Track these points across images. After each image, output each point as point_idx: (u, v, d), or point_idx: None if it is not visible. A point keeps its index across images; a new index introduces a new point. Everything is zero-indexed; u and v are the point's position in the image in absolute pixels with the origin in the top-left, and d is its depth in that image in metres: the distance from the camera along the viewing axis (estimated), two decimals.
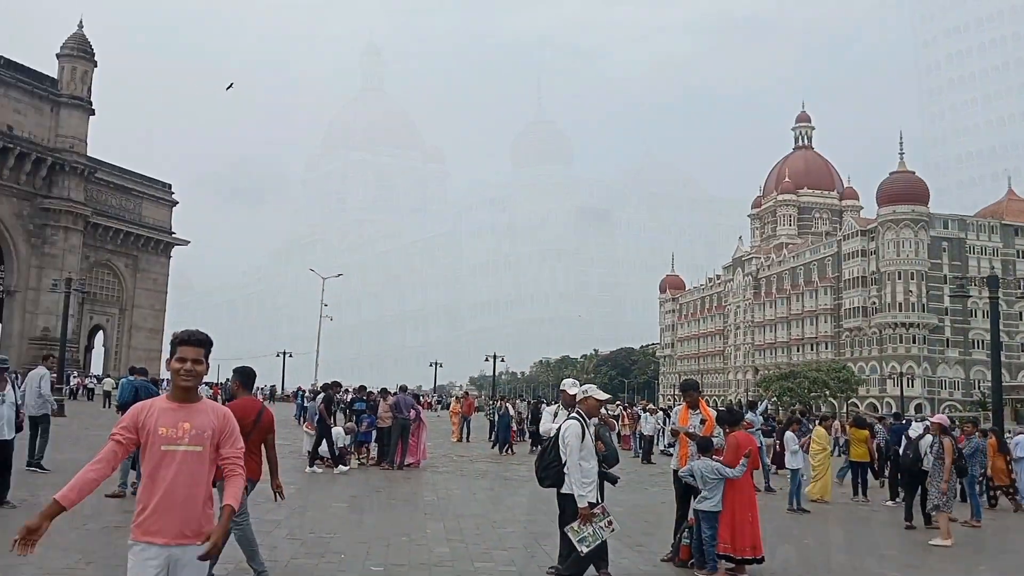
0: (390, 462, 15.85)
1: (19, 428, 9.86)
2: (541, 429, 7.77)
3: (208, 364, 3.43)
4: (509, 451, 21.45)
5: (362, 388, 18.29)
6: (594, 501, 5.81)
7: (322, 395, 17.40)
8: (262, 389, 50.38)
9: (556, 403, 8.18)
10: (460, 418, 26.91)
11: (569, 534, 5.70)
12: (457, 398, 31.05)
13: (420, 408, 17.86)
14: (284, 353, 70.71)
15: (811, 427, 16.79)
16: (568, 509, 5.90)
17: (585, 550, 5.65)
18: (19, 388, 11.52)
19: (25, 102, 50.58)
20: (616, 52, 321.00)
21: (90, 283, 54.64)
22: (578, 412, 6.12)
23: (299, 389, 50.47)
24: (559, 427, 6.22)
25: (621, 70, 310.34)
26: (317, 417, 15.27)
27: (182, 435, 3.24)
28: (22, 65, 50.48)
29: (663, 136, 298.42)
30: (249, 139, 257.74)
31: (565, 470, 5.91)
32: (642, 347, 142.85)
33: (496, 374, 70.50)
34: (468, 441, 25.91)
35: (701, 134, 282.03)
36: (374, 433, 16.63)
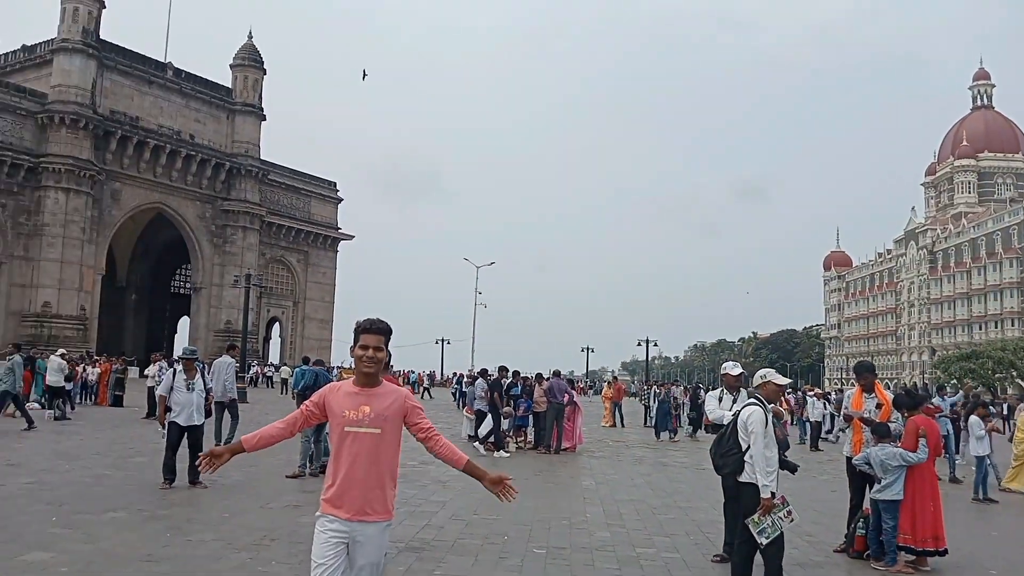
0: (547, 446, 16.06)
1: (208, 414, 10.71)
2: (710, 415, 7.53)
3: (388, 351, 3.59)
4: (672, 437, 21.12)
5: (516, 373, 18.56)
6: (775, 491, 5.57)
7: (480, 380, 17.87)
8: (410, 374, 52.22)
9: (720, 387, 7.93)
10: (611, 403, 26.80)
11: (749, 525, 5.50)
12: (608, 383, 30.95)
13: (575, 393, 17.94)
14: (442, 340, 73.20)
15: (994, 411, 15.44)
16: (745, 499, 5.68)
17: (764, 541, 5.45)
18: (207, 376, 12.57)
19: (204, 112, 54.87)
20: (771, 23, 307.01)
21: (266, 278, 58.69)
22: (757, 397, 5.87)
23: (454, 374, 52.13)
24: (737, 413, 5.99)
25: (777, 41, 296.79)
26: (487, 402, 15.69)
27: (363, 418, 3.45)
28: (201, 77, 54.76)
29: (822, 108, 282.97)
30: (404, 133, 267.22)
31: (746, 458, 5.66)
32: (805, 328, 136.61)
33: (649, 359, 69.55)
34: (622, 426, 25.77)
35: (864, 103, 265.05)
36: (531, 418, 16.88)
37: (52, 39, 47.50)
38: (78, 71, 46.47)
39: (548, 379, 16.67)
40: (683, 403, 23.09)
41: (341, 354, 69.09)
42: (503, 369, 17.10)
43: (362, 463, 3.43)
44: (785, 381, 6.15)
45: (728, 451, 5.87)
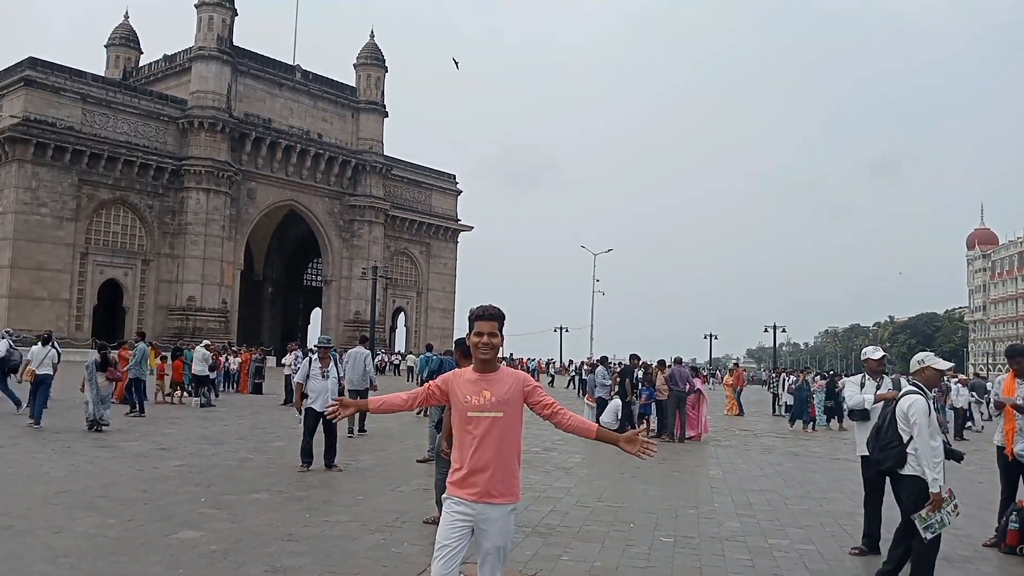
0: (670, 434, 15.83)
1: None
2: (849, 401, 7.17)
3: (503, 336, 3.62)
4: (811, 427, 20.38)
5: (634, 357, 18.33)
6: (943, 484, 5.23)
7: (600, 368, 17.81)
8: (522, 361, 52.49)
9: (861, 373, 7.54)
10: (733, 391, 26.13)
11: (915, 521, 5.19)
12: (729, 370, 30.20)
13: (700, 380, 17.58)
14: (561, 328, 73.37)
15: None
16: (907, 493, 5.35)
17: (930, 536, 5.15)
18: (340, 365, 13.09)
19: (331, 111, 57.04)
20: None
21: (391, 270, 60.49)
22: (916, 384, 5.53)
23: (570, 361, 52.17)
24: (889, 400, 5.67)
25: (910, 3, 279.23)
26: (615, 390, 15.68)
27: (485, 403, 3.51)
28: (327, 78, 56.91)
29: (962, 75, 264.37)
30: (520, 124, 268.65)
31: (909, 450, 5.33)
32: (947, 312, 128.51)
33: (776, 345, 67.27)
34: (742, 415, 25.06)
35: (1006, 68, 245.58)
36: (654, 406, 16.68)
37: (189, 48, 50.50)
38: (214, 77, 49.23)
39: (669, 366, 16.41)
40: (815, 391, 22.21)
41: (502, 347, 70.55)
42: (634, 357, 16.93)
43: (486, 446, 3.49)
44: (946, 365, 5.71)
45: (888, 443, 5.49)
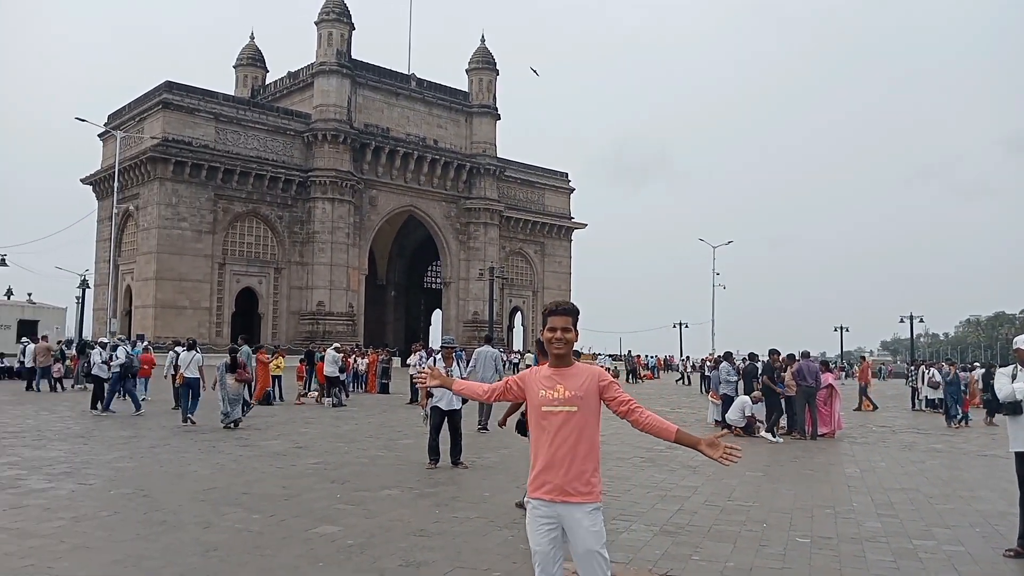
0: (801, 431, 15.26)
1: (465, 399, 11.35)
2: (1000, 393, 6.70)
3: (577, 331, 3.56)
4: (963, 422, 19.21)
5: (753, 355, 17.75)
6: None
7: (725, 364, 17.35)
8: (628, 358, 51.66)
9: (1013, 364, 7.02)
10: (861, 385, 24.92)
11: None
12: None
13: (832, 375, 16.86)
14: (680, 324, 72.09)
15: None
16: None
17: None
18: (462, 364, 13.34)
19: (445, 117, 58.27)
20: None
21: (507, 270, 61.16)
22: None
23: (687, 358, 51.11)
24: None
25: None
26: (760, 386, 15.31)
27: (558, 398, 3.45)
28: (440, 85, 58.17)
29: None
30: (631, 119, 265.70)
31: None
32: None
33: (913, 336, 63.68)
34: (872, 409, 23.82)
35: None
36: (783, 402, 16.11)
37: (311, 64, 52.72)
38: (335, 91, 51.20)
39: (797, 361, 15.81)
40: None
41: (579, 340, 70.30)
42: (773, 353, 16.36)
43: (561, 443, 3.42)
44: None
45: None
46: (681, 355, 69.46)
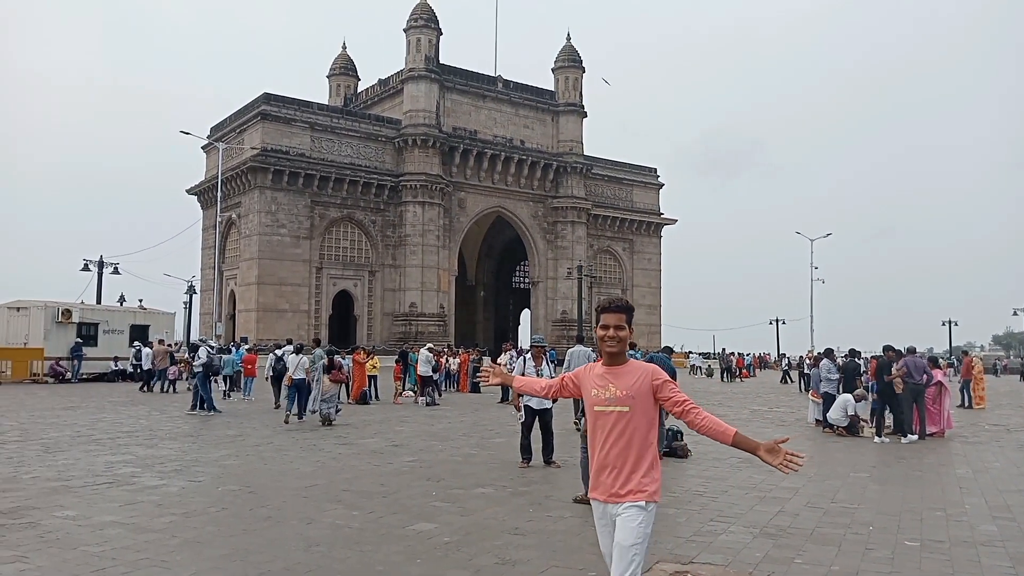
0: (907, 431, 14.59)
1: (554, 399, 11.34)
2: None
3: (632, 328, 3.48)
4: None
5: (853, 352, 17.06)
6: None
7: (826, 361, 16.76)
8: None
9: None
10: (962, 381, 23.64)
11: None
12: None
13: (940, 372, 16.07)
14: (776, 320, 70.14)
15: None
16: None
17: None
18: (550, 364, 13.34)
19: (532, 117, 58.45)
20: None
21: (595, 268, 60.87)
22: None
23: (782, 355, 49.61)
24: None
25: None
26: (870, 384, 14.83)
27: (610, 397, 3.38)
28: (526, 85, 58.41)
29: None
30: (721, 112, 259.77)
31: None
32: None
33: None
34: (972, 407, 22.55)
35: None
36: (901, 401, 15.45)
37: (401, 70, 53.79)
38: (424, 96, 52.09)
39: (903, 357, 15.11)
40: None
41: (670, 339, 69.13)
42: (888, 349, 15.70)
43: (613, 443, 3.36)
44: None
45: None
46: (778, 352, 67.67)
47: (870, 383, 15.84)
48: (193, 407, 17.64)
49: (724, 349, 49.71)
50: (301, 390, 16.32)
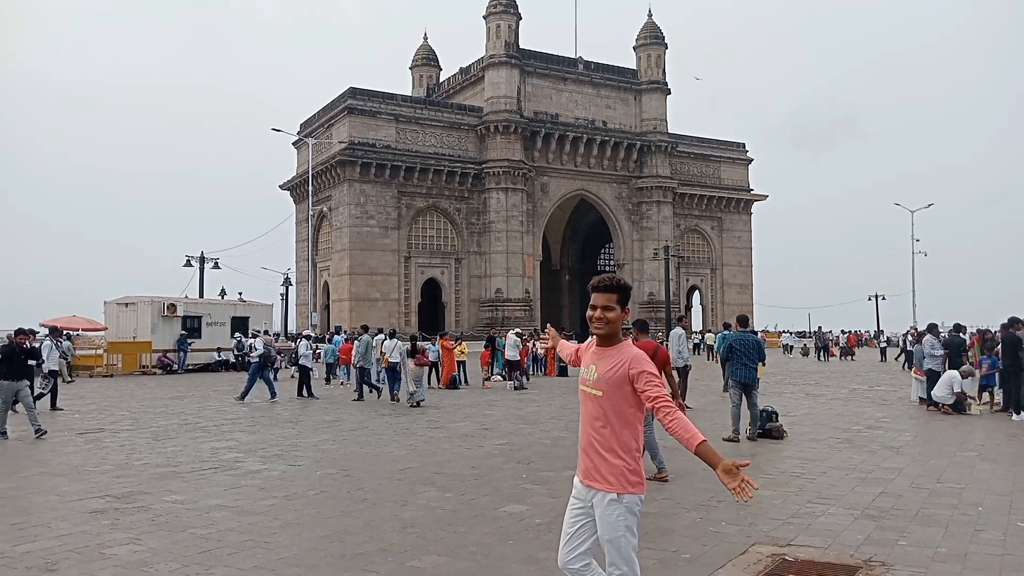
0: (1016, 408, 13.82)
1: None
2: None
3: (623, 310, 3.29)
4: None
5: (958, 327, 16.17)
6: None
7: (929, 337, 16.04)
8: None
9: None
10: None
11: None
12: None
13: None
14: (876, 296, 67.52)
15: None
16: None
17: None
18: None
19: (613, 97, 57.76)
20: None
21: (683, 248, 59.88)
22: None
23: (880, 332, 47.68)
24: None
25: None
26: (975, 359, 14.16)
27: (590, 378, 3.33)
28: (608, 65, 57.69)
29: None
30: (812, 82, 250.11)
31: None
32: None
33: None
34: None
35: None
36: (997, 376, 14.70)
37: (481, 57, 53.96)
38: (505, 82, 52.15)
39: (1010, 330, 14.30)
40: None
41: (764, 319, 67.47)
42: (1017, 321, 14.84)
43: (587, 425, 3.33)
44: None
45: None
46: (877, 329, 65.18)
47: (991, 358, 15.02)
48: (300, 392, 18.42)
49: (820, 327, 48.24)
50: (395, 373, 17.43)
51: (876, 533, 5.94)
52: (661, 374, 9.11)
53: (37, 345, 15.15)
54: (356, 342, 18.89)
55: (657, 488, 7.75)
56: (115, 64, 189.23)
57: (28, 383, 12.25)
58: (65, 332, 24.30)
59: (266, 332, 27.88)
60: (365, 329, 20.16)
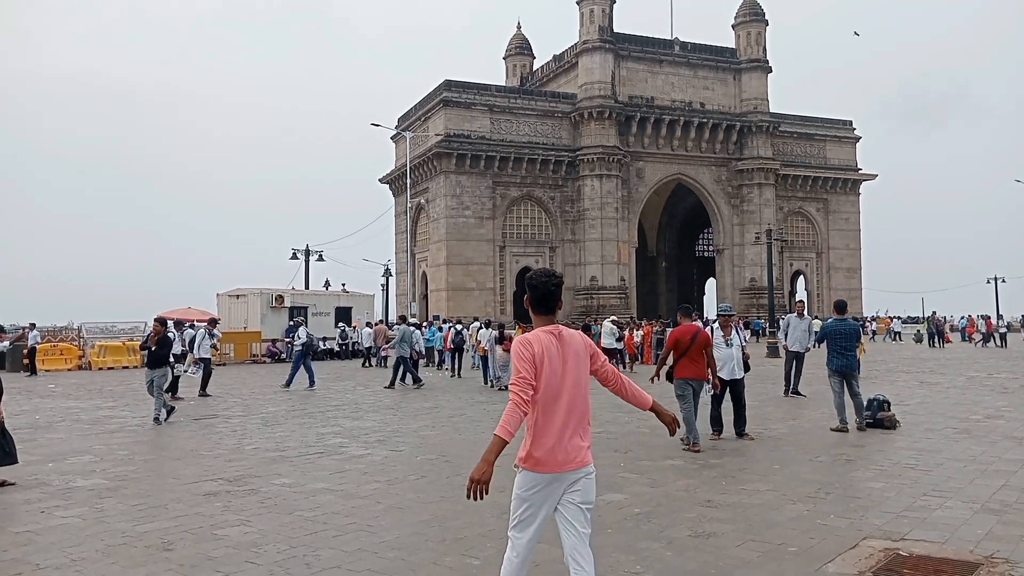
0: None
1: (747, 368, 10.93)
2: None
3: (561, 301, 3.79)
4: None
5: None
6: None
7: None
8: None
9: None
10: None
11: None
12: None
13: None
14: (995, 279, 63.65)
15: None
16: None
17: None
18: (742, 332, 12.85)
19: (711, 78, 56.31)
20: None
21: (786, 231, 57.89)
22: None
23: (1000, 316, 44.74)
24: None
25: None
26: None
27: None
28: (705, 45, 56.26)
29: None
30: (922, 57, 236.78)
31: None
32: None
33: None
34: None
35: None
36: None
37: (575, 44, 53.58)
38: (599, 67, 51.63)
39: None
40: None
41: (873, 304, 64.65)
42: None
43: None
44: None
45: None
46: (997, 313, 61.49)
47: None
48: (391, 383, 18.76)
49: (934, 312, 45.90)
50: (486, 359, 18.64)
51: (999, 528, 5.60)
52: (702, 355, 9.57)
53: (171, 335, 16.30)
54: (395, 330, 19.61)
55: (759, 479, 7.54)
56: (221, 69, 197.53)
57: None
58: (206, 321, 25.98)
59: (381, 322, 28.76)
60: (403, 319, 20.69)
